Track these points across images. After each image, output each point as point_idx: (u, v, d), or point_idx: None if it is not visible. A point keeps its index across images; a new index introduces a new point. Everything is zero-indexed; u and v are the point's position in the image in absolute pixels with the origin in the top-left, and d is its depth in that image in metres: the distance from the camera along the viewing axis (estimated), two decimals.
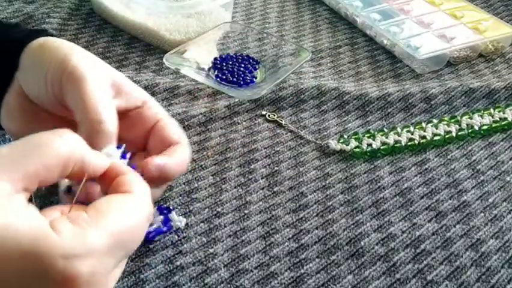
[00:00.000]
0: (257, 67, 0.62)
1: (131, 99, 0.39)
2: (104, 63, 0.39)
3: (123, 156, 0.35)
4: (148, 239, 0.40)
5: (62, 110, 0.37)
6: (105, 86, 0.36)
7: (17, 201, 0.26)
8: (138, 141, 0.40)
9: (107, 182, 0.32)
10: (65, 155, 0.28)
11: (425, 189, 0.48)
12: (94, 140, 0.33)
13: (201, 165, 0.48)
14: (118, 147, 0.35)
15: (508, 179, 0.50)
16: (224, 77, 0.59)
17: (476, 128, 0.55)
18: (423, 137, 0.53)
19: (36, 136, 0.28)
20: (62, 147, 0.28)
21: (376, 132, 0.53)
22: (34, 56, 0.37)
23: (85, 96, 0.34)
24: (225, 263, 0.40)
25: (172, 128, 0.39)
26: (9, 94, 0.39)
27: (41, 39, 0.38)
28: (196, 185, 0.46)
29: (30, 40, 0.38)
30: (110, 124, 0.34)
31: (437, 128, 0.54)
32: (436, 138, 0.53)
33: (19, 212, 0.26)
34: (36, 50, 0.37)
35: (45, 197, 0.39)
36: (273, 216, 0.44)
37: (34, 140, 0.28)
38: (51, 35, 0.39)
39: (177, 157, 0.38)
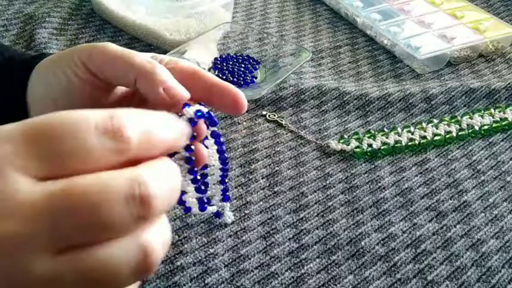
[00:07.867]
0: (257, 67, 0.62)
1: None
2: None
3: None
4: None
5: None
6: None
7: None
8: None
9: None
10: None
11: (425, 189, 0.48)
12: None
13: None
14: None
15: (508, 179, 0.50)
16: (224, 77, 0.59)
17: (477, 128, 0.55)
18: (424, 137, 0.53)
19: None
20: None
21: (376, 132, 0.53)
22: (42, 68, 0.36)
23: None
24: (226, 263, 0.40)
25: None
26: None
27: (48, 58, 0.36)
28: None
29: (34, 65, 0.36)
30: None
31: (437, 128, 0.54)
32: (436, 138, 0.53)
33: None
34: (43, 64, 0.36)
35: None
36: (273, 216, 0.44)
37: None
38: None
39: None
